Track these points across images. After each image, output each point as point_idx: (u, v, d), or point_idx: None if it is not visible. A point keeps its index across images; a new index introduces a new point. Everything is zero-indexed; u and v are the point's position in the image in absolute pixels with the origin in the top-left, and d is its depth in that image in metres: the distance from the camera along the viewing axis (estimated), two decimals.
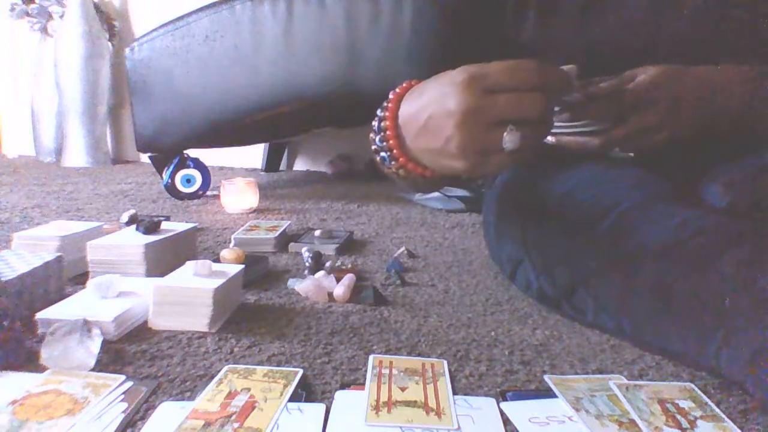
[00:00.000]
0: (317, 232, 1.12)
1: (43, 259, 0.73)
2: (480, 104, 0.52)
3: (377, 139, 0.62)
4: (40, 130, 2.60)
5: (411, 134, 0.59)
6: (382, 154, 0.62)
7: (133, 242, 0.83)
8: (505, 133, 0.52)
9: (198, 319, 0.66)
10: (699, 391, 0.53)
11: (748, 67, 0.68)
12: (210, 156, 1.90)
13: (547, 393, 0.53)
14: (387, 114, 0.60)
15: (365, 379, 0.55)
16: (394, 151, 0.61)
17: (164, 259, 0.85)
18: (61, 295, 0.72)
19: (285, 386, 0.52)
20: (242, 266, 0.76)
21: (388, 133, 0.60)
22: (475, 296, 0.83)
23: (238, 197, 1.47)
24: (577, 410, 0.49)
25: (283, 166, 2.48)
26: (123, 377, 0.53)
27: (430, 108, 0.56)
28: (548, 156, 0.75)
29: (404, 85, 0.62)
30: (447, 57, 0.83)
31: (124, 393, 0.51)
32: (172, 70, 1.55)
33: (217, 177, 1.80)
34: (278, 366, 0.58)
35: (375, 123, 0.63)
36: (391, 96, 0.61)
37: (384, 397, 0.51)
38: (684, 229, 0.59)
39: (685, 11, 0.72)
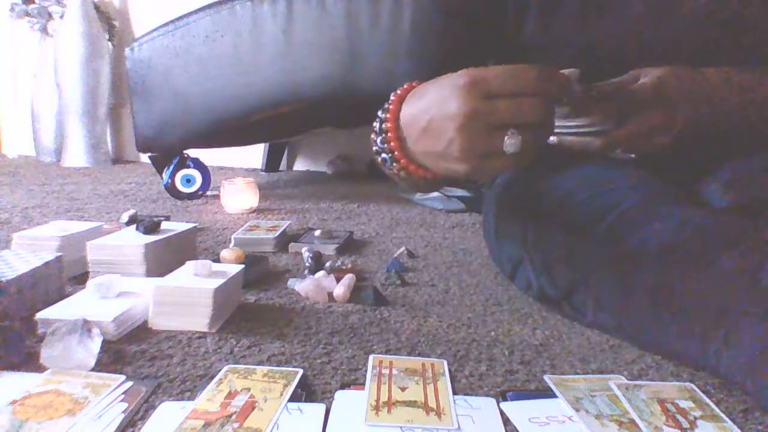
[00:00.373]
0: (317, 232, 1.12)
1: (43, 259, 0.73)
2: (481, 109, 0.52)
3: (378, 140, 0.62)
4: (40, 130, 2.60)
5: (413, 137, 0.59)
6: (384, 155, 0.62)
7: (133, 242, 0.83)
8: (506, 137, 0.52)
9: (198, 319, 0.66)
10: (699, 391, 0.53)
11: (749, 69, 0.68)
12: (210, 156, 1.90)
13: (547, 393, 0.53)
14: (388, 116, 0.61)
15: (365, 379, 0.55)
16: (396, 153, 0.61)
17: (164, 259, 0.85)
18: (61, 295, 0.72)
19: (285, 386, 0.52)
20: (242, 266, 0.76)
21: (389, 135, 0.61)
22: (475, 296, 0.83)
23: (238, 197, 1.47)
24: (577, 410, 0.49)
25: (283, 166, 2.49)
26: (123, 377, 0.53)
27: (431, 111, 0.56)
28: (549, 156, 0.75)
29: (405, 86, 0.62)
30: (448, 57, 0.83)
31: (124, 393, 0.51)
32: (172, 70, 1.55)
33: (217, 177, 1.80)
34: (278, 366, 0.58)
35: (376, 124, 0.63)
36: (392, 98, 0.61)
37: (384, 397, 0.51)
38: (684, 229, 0.59)
39: (686, 12, 0.72)
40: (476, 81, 0.53)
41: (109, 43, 2.49)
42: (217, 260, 0.84)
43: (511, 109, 0.52)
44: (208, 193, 1.70)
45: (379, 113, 0.62)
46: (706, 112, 0.68)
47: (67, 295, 0.71)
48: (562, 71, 0.61)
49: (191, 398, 0.50)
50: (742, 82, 0.68)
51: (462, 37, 0.83)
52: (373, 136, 0.63)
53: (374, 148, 0.63)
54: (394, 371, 0.56)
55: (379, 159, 0.64)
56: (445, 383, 0.54)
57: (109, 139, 2.61)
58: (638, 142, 0.69)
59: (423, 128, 0.57)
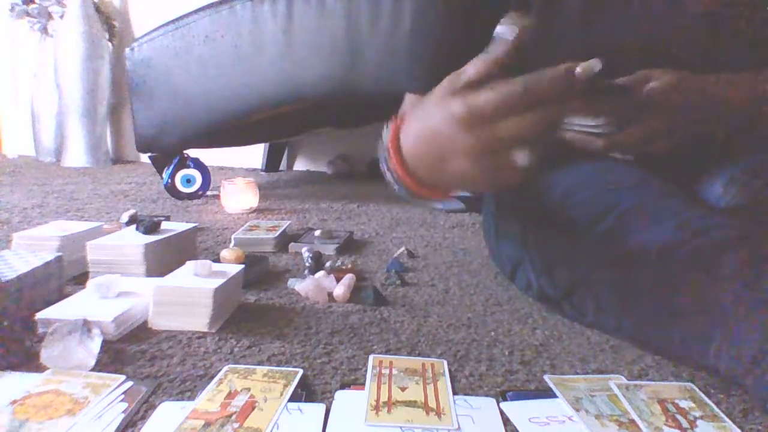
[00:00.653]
0: (317, 232, 1.12)
1: (43, 259, 0.73)
2: (482, 139, 0.52)
3: (391, 177, 0.62)
4: (40, 130, 2.60)
5: (424, 171, 0.59)
6: (400, 188, 0.63)
7: (133, 242, 0.83)
8: (514, 154, 0.52)
9: (198, 319, 0.66)
10: (699, 391, 0.53)
11: (753, 77, 0.68)
12: (210, 156, 1.90)
13: (547, 393, 0.53)
14: (392, 158, 0.60)
15: (365, 379, 0.55)
16: (413, 189, 0.61)
17: (164, 259, 0.85)
18: (61, 295, 0.72)
19: (285, 386, 0.52)
20: (242, 266, 0.76)
21: (400, 173, 0.61)
22: (475, 296, 0.83)
23: (238, 197, 1.47)
24: (577, 410, 0.49)
25: (283, 166, 2.49)
26: (123, 377, 0.53)
27: (432, 149, 0.55)
28: (549, 154, 0.75)
29: (393, 123, 0.61)
30: (449, 56, 0.83)
31: (124, 393, 0.51)
32: (172, 70, 1.55)
33: (217, 177, 1.80)
34: (278, 366, 0.58)
35: (383, 162, 0.63)
36: (387, 137, 0.61)
37: (384, 397, 0.51)
38: (684, 229, 0.59)
39: (687, 12, 0.72)
40: (471, 111, 0.51)
41: (109, 43, 2.49)
42: (217, 260, 0.84)
43: (511, 132, 0.51)
44: (208, 193, 1.70)
45: (381, 151, 0.62)
46: (709, 118, 0.67)
47: (67, 295, 0.71)
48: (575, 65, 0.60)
49: (191, 398, 0.50)
50: (744, 87, 0.68)
51: (463, 36, 0.82)
52: (383, 167, 0.63)
53: (388, 180, 0.63)
54: (394, 371, 0.56)
55: (396, 190, 0.64)
56: (445, 383, 0.54)
57: (109, 139, 2.61)
58: (639, 146, 0.69)
59: (430, 165, 0.57)
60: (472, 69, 0.52)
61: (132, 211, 1.28)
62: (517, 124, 0.51)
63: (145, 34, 1.58)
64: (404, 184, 0.61)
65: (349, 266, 0.94)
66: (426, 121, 0.56)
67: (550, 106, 0.52)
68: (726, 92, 0.67)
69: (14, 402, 0.48)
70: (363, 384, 0.54)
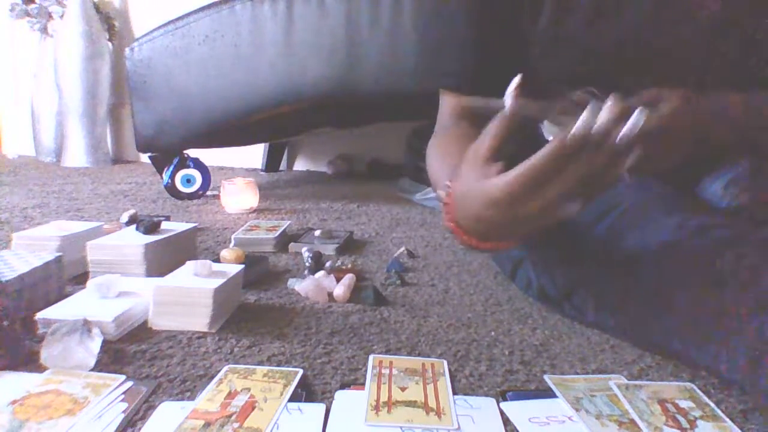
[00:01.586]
0: (317, 232, 1.12)
1: (43, 259, 0.73)
2: (536, 204, 0.51)
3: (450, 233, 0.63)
4: (40, 130, 2.60)
5: (483, 238, 0.60)
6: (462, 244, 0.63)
7: (133, 242, 0.83)
8: (566, 206, 0.51)
9: (198, 319, 0.66)
10: (699, 391, 0.53)
11: (751, 95, 0.68)
12: (210, 156, 1.90)
13: (547, 393, 0.53)
14: (452, 227, 0.62)
15: (365, 379, 0.55)
16: (481, 248, 0.62)
17: (164, 259, 0.85)
18: (61, 295, 0.72)
19: (285, 386, 0.52)
20: (242, 266, 0.76)
21: (461, 237, 0.62)
22: (475, 296, 0.83)
23: (238, 197, 1.47)
24: (577, 410, 0.49)
25: (283, 166, 2.48)
26: (123, 377, 0.53)
27: (486, 223, 0.56)
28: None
29: (445, 201, 0.63)
30: (450, 56, 0.83)
31: (124, 393, 0.51)
32: (172, 70, 1.55)
33: (217, 177, 1.80)
34: (278, 366, 0.58)
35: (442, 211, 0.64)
36: (442, 203, 0.62)
37: (384, 397, 0.51)
38: (684, 229, 0.59)
39: (697, 21, 0.72)
40: (510, 193, 0.51)
41: (109, 43, 2.49)
42: (217, 260, 0.84)
43: (555, 193, 0.50)
44: (208, 193, 1.70)
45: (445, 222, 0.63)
46: (710, 139, 0.67)
47: (67, 295, 0.71)
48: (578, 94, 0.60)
49: (191, 398, 0.50)
50: (744, 104, 0.67)
51: (478, 32, 0.82)
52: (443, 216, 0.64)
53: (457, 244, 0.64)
54: (394, 371, 0.56)
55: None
56: (445, 383, 0.54)
57: (109, 139, 2.61)
58: (639, 166, 0.68)
59: (486, 235, 0.58)
60: (488, 141, 0.54)
61: (132, 211, 1.28)
62: (559, 185, 0.50)
63: (145, 34, 1.58)
64: (465, 243, 0.62)
65: (349, 266, 0.94)
66: (472, 202, 0.56)
67: (585, 160, 0.48)
68: (731, 112, 0.66)
69: (14, 402, 0.48)
70: (363, 384, 0.54)
